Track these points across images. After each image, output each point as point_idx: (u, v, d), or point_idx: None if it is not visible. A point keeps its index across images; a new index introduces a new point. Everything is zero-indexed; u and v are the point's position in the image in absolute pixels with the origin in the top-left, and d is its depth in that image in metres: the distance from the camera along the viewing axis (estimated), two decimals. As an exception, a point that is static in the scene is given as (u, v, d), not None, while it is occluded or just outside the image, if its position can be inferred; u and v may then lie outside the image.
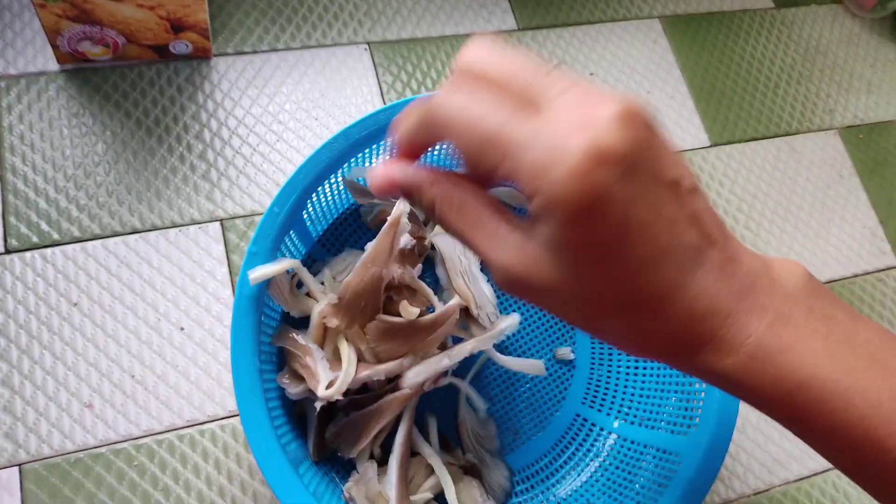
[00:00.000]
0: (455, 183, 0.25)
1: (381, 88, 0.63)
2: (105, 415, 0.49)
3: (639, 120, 0.21)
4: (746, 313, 0.23)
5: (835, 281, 0.65)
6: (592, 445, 0.51)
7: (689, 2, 0.74)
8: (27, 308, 0.50)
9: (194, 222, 0.55)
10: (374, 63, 0.63)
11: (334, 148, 0.44)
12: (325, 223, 0.52)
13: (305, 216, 0.46)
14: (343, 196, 0.51)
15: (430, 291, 0.47)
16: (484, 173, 0.24)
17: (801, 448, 0.58)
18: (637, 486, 0.46)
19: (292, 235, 0.46)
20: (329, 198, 0.49)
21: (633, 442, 0.49)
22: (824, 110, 0.73)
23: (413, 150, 0.26)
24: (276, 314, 0.47)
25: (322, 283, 0.48)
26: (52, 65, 0.57)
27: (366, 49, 0.64)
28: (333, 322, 0.44)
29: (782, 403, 0.24)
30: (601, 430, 0.52)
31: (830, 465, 0.57)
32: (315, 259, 0.52)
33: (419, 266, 0.47)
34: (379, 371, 0.44)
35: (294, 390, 0.43)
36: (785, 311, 0.24)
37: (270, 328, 0.45)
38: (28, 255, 0.52)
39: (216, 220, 0.55)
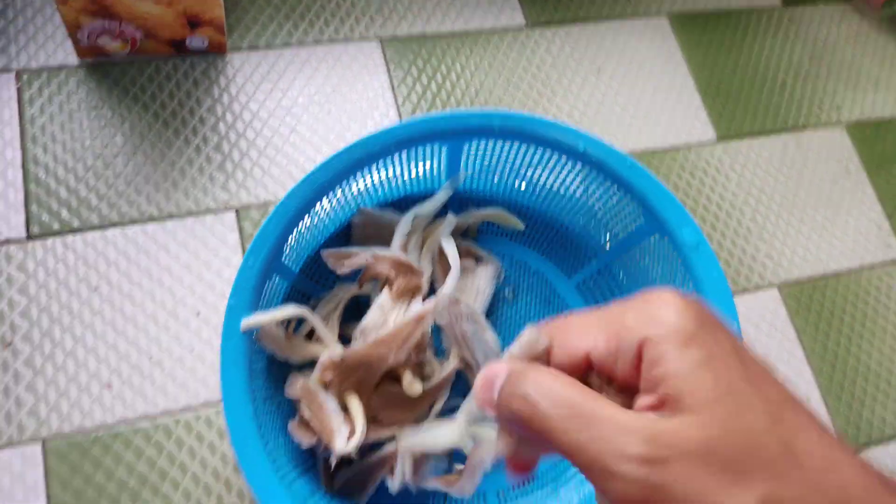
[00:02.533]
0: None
1: (392, 84, 0.64)
2: (123, 395, 0.50)
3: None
4: None
5: (841, 274, 0.65)
6: None
7: (697, 0, 0.75)
8: (48, 292, 0.52)
9: (210, 212, 0.56)
10: (385, 59, 0.65)
11: (300, 194, 0.43)
12: (307, 255, 0.50)
13: (284, 259, 0.45)
14: (325, 227, 0.50)
15: (436, 363, 0.49)
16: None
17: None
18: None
19: (275, 279, 0.44)
20: (310, 232, 0.48)
21: None
22: (831, 107, 0.73)
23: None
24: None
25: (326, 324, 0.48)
26: (73, 59, 0.59)
27: (377, 45, 0.65)
28: (328, 376, 0.44)
29: None
30: None
31: None
32: (305, 294, 0.50)
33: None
34: (383, 435, 0.46)
35: (307, 442, 0.44)
36: None
37: (262, 357, 0.45)
38: (49, 241, 0.53)
39: (231, 210, 0.57)
